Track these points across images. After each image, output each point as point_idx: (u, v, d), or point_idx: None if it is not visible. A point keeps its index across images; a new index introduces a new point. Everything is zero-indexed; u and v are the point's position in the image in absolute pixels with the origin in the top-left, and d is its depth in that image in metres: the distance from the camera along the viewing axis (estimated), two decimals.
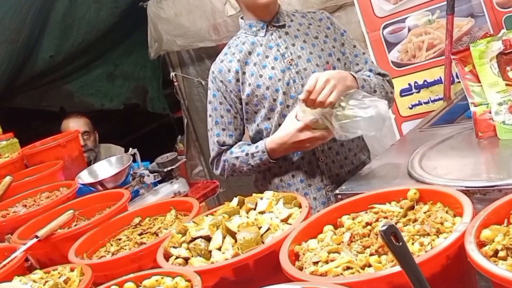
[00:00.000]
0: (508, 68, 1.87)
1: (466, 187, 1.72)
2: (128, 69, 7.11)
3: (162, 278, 1.46)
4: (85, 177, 3.38)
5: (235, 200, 1.81)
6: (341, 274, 1.27)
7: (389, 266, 1.24)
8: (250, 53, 2.54)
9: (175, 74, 5.57)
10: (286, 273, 1.31)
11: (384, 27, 3.28)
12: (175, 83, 5.61)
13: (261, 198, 1.77)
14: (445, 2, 2.82)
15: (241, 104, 2.54)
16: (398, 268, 1.09)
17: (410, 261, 1.04)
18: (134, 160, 3.53)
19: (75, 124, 4.36)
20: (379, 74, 2.59)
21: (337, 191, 2.10)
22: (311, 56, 2.50)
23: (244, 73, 2.52)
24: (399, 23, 3.24)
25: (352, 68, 2.59)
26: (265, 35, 2.54)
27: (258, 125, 2.55)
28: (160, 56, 5.61)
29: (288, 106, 2.46)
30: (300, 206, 1.71)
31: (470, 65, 2.13)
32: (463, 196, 1.38)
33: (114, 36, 6.40)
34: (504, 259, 1.12)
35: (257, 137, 2.57)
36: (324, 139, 2.31)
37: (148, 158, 3.77)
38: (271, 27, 2.54)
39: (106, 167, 3.52)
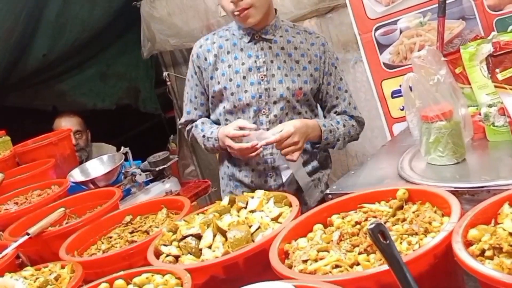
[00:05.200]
0: (497, 70, 1.89)
1: (455, 187, 1.74)
2: (120, 69, 7.10)
3: (152, 275, 1.46)
4: (76, 175, 3.38)
5: (226, 199, 1.82)
6: (330, 272, 1.28)
7: (377, 264, 1.25)
8: (228, 52, 2.56)
9: (168, 74, 5.57)
10: (276, 271, 1.32)
11: (376, 29, 3.28)
12: (168, 83, 5.61)
13: (252, 197, 1.79)
14: (437, 5, 2.83)
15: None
16: (386, 266, 1.10)
17: (397, 259, 1.05)
18: (126, 159, 3.53)
19: (67, 123, 4.36)
20: (352, 116, 2.64)
21: (327, 191, 2.12)
22: (286, 78, 2.50)
23: (216, 69, 2.56)
24: (391, 25, 3.25)
25: (329, 101, 2.64)
26: (248, 42, 2.54)
27: (218, 118, 2.65)
28: (153, 56, 5.61)
29: (249, 118, 2.51)
30: (290, 205, 1.72)
31: (460, 67, 2.15)
32: (451, 196, 1.39)
33: (107, 35, 6.38)
34: (490, 258, 1.13)
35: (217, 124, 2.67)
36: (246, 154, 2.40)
37: (140, 157, 3.78)
38: (257, 37, 2.54)
39: (98, 166, 3.52)
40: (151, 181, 3.58)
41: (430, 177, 1.93)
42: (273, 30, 2.55)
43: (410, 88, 2.04)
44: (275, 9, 2.60)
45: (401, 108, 3.29)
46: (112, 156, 3.62)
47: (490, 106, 2.05)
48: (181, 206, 2.05)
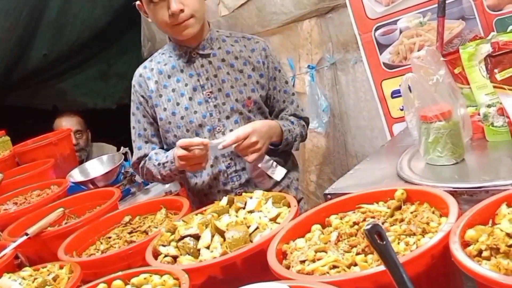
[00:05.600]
0: (496, 70, 1.88)
1: (453, 188, 1.74)
2: (121, 69, 7.09)
3: (150, 276, 1.46)
4: (76, 175, 3.40)
5: (225, 199, 1.82)
6: (328, 273, 1.27)
7: (374, 265, 1.25)
8: (169, 76, 2.48)
9: None
10: (273, 272, 1.31)
11: (376, 29, 3.28)
12: None
13: (251, 198, 1.79)
14: (437, 5, 2.82)
15: None
16: (383, 267, 1.10)
17: (393, 260, 1.05)
18: (126, 159, 3.53)
19: (67, 123, 4.37)
20: (300, 118, 2.62)
21: (326, 191, 2.11)
22: (232, 90, 2.45)
23: (160, 95, 2.48)
24: (390, 25, 3.25)
25: (276, 105, 2.60)
26: (187, 61, 2.47)
27: (172, 148, 2.48)
28: None
29: (205, 138, 2.35)
30: (289, 206, 1.72)
31: (459, 67, 2.14)
32: (449, 196, 1.39)
33: (108, 35, 6.38)
34: (487, 259, 1.13)
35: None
36: (198, 164, 2.28)
37: None
38: (194, 54, 2.47)
39: (98, 166, 3.53)
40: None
41: (429, 177, 1.92)
42: (209, 44, 2.48)
43: (409, 88, 2.04)
44: (209, 23, 2.54)
45: (401, 108, 3.29)
46: (111, 156, 3.63)
47: (489, 106, 2.05)
48: (180, 206, 2.05)
